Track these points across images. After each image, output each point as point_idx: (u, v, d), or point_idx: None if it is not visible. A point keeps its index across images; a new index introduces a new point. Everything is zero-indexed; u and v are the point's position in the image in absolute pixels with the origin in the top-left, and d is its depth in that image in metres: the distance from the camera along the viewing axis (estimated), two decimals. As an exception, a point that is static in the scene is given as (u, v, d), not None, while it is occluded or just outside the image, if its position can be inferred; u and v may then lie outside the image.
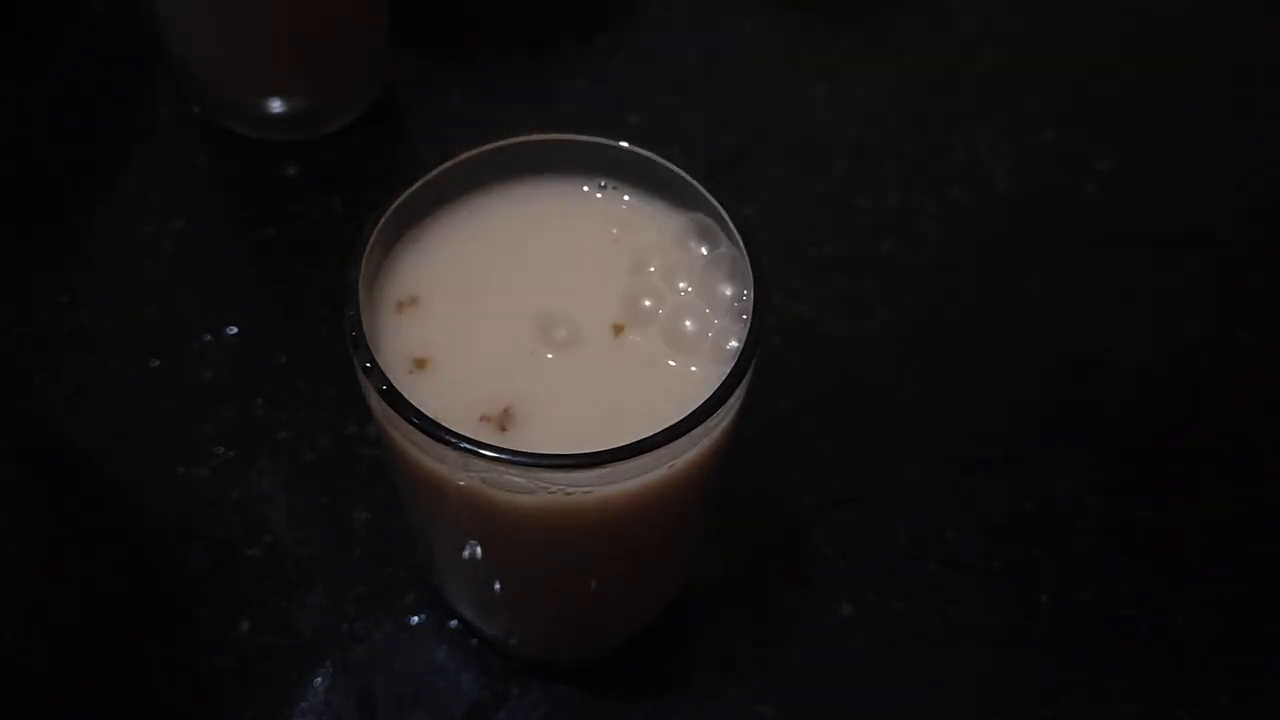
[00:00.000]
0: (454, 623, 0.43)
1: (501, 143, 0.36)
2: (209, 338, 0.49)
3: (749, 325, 0.33)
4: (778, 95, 0.59)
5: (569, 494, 0.31)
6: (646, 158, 0.36)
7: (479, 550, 0.36)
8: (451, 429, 0.30)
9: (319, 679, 0.41)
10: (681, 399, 0.31)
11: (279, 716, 0.40)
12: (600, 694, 0.41)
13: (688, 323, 0.34)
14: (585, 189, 0.37)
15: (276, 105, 0.55)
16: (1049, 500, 0.46)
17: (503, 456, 0.29)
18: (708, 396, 0.31)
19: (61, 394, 0.48)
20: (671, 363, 0.34)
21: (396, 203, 0.34)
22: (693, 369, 0.33)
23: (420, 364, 0.33)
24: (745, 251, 0.34)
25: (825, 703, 0.42)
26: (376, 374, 0.31)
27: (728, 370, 0.31)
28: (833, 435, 0.48)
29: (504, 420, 0.32)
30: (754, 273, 0.33)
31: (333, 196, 0.54)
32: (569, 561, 0.36)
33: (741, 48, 0.61)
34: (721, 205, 0.35)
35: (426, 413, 0.30)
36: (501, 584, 0.38)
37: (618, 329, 0.34)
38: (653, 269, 0.35)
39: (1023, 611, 0.44)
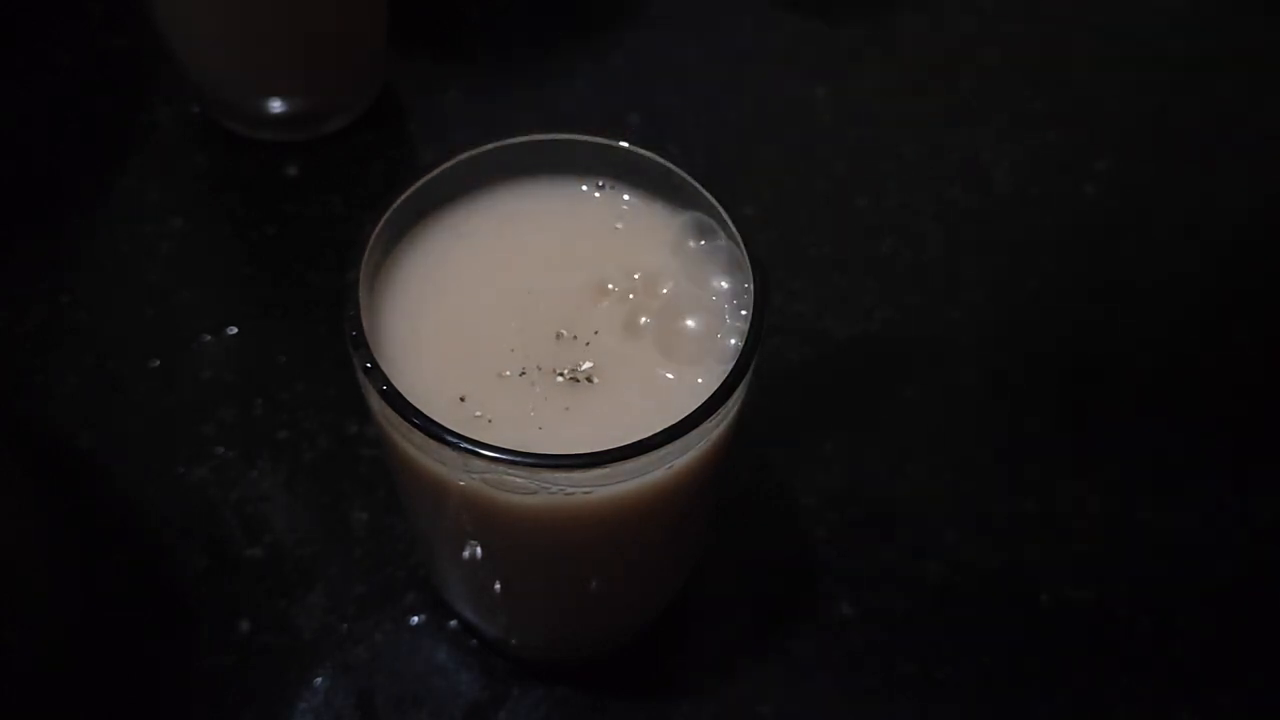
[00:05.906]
0: (454, 623, 0.43)
1: (501, 143, 0.36)
2: (209, 338, 0.49)
3: (749, 325, 0.33)
4: (778, 95, 0.59)
5: (569, 494, 0.31)
6: (646, 157, 0.36)
7: (479, 550, 0.36)
8: (451, 429, 0.30)
9: (319, 679, 0.41)
10: (681, 399, 0.31)
11: (279, 716, 0.40)
12: (600, 694, 0.41)
13: (688, 322, 0.34)
14: (585, 189, 0.37)
15: (276, 105, 0.55)
16: (1049, 500, 0.46)
17: (503, 457, 0.29)
18: (708, 396, 0.31)
19: (61, 394, 0.48)
20: (671, 362, 0.34)
21: (396, 203, 0.34)
22: (692, 368, 0.33)
23: (420, 363, 0.33)
24: (745, 251, 0.34)
25: (825, 703, 0.42)
26: (376, 374, 0.31)
27: (728, 370, 0.31)
28: (833, 435, 0.48)
29: (503, 420, 0.32)
30: (754, 272, 0.33)
31: (333, 196, 0.54)
32: (569, 561, 0.36)
33: (741, 48, 0.61)
34: (721, 205, 0.35)
35: (425, 412, 0.30)
36: (501, 584, 0.38)
37: (617, 328, 0.34)
38: (653, 268, 0.35)
39: (1023, 611, 0.44)
